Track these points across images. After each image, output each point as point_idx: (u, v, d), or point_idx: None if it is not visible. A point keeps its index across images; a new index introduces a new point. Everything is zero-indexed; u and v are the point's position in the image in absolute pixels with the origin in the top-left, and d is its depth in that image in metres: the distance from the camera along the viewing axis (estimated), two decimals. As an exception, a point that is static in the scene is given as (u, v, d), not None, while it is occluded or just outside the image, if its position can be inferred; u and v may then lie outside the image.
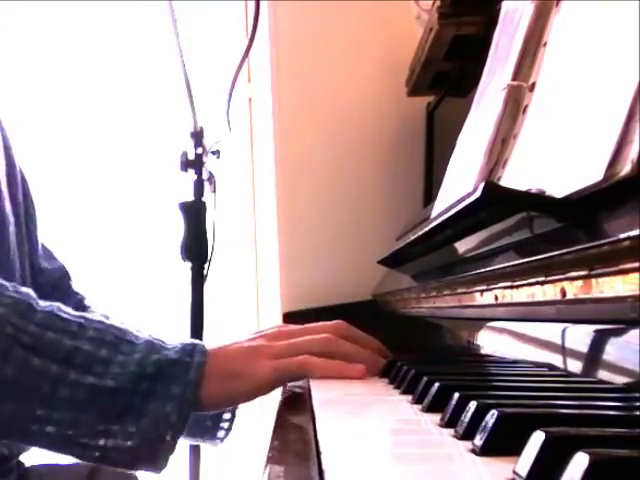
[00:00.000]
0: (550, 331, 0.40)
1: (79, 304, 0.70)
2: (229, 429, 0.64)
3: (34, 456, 0.66)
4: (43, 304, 0.46)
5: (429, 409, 0.34)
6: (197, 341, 0.47)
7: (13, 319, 0.43)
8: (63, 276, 0.71)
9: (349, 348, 0.49)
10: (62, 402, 0.43)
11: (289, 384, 0.49)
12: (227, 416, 0.64)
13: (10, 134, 0.66)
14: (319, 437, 0.29)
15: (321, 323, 0.51)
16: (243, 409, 0.65)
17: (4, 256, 0.61)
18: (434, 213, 0.65)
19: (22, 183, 0.67)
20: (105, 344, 0.44)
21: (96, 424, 0.43)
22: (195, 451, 0.95)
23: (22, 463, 0.66)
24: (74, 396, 0.43)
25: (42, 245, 0.70)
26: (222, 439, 0.64)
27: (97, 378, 0.43)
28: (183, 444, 0.95)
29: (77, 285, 0.72)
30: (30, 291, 0.47)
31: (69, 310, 0.47)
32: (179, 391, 0.43)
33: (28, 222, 0.67)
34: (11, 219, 0.62)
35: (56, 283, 0.70)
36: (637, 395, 0.30)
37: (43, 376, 0.43)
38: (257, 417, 1.30)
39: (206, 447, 0.95)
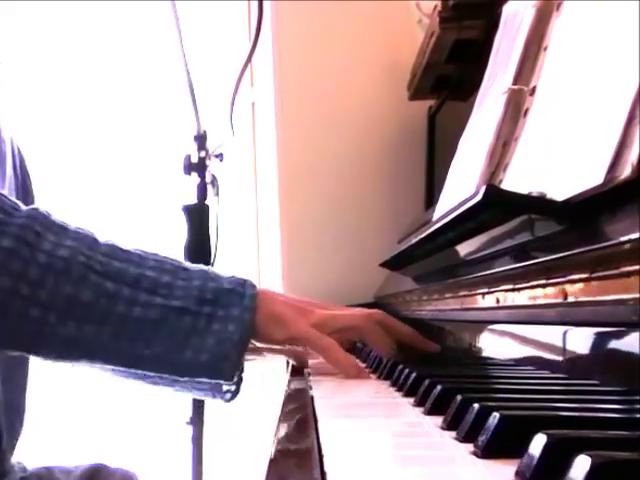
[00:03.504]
0: (551, 334, 0.40)
1: None
2: (236, 392, 0.64)
3: (34, 459, 0.66)
4: (103, 239, 0.48)
5: (431, 412, 0.35)
6: (246, 278, 0.50)
7: (83, 250, 0.46)
8: None
9: (379, 334, 0.52)
10: (136, 321, 0.45)
11: (292, 386, 0.49)
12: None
13: (19, 142, 0.68)
14: (321, 439, 0.29)
15: (361, 309, 0.56)
16: (244, 408, 0.65)
17: None
18: (436, 216, 0.65)
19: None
20: (165, 272, 0.47)
21: (169, 341, 0.46)
22: (198, 449, 0.95)
23: (23, 466, 0.66)
24: (147, 315, 0.45)
25: None
26: (229, 400, 0.65)
27: (164, 299, 0.46)
28: (186, 438, 0.95)
29: None
30: (90, 229, 0.49)
31: (126, 245, 0.50)
32: (238, 313, 0.47)
33: (26, 197, 0.68)
34: (14, 195, 0.64)
35: None
36: (638, 398, 0.30)
37: (117, 298, 0.45)
38: (257, 415, 1.30)
39: (209, 442, 0.95)
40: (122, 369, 0.49)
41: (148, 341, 0.45)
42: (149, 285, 0.46)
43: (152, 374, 0.48)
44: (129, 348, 0.45)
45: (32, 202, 0.68)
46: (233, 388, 0.63)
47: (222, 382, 0.48)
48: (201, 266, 0.49)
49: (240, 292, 0.47)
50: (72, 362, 0.47)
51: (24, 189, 0.67)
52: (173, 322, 0.46)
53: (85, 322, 0.45)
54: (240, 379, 0.64)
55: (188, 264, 0.49)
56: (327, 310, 0.52)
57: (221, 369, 0.46)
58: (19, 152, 0.67)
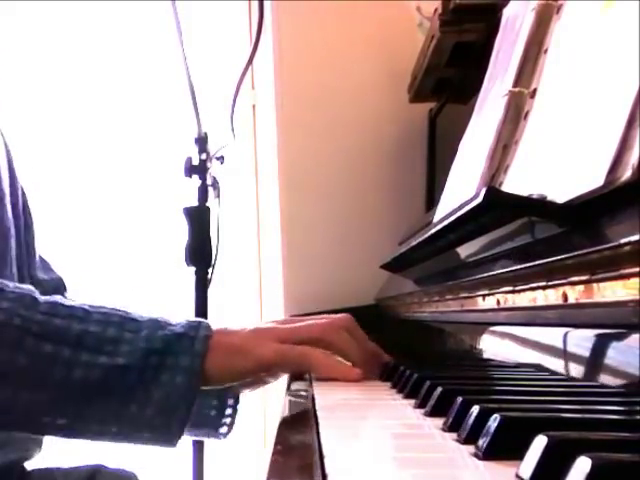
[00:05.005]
0: (552, 336, 0.40)
1: None
2: (232, 424, 0.64)
3: (34, 460, 0.66)
4: (44, 297, 0.47)
5: (432, 413, 0.35)
6: (202, 319, 0.48)
7: (20, 311, 0.45)
8: (59, 287, 0.72)
9: (347, 340, 0.50)
10: (77, 383, 0.44)
11: (293, 387, 0.49)
12: (229, 411, 0.64)
13: (11, 145, 0.68)
14: (322, 441, 0.29)
15: (327, 315, 0.53)
16: (246, 406, 0.65)
17: (6, 269, 0.62)
18: (436, 218, 0.65)
19: (22, 195, 0.68)
20: (112, 324, 0.46)
21: (111, 400, 0.44)
22: (199, 450, 0.95)
23: (23, 467, 0.66)
24: (88, 377, 0.44)
25: (39, 257, 0.71)
26: (225, 434, 0.64)
27: (109, 357, 0.44)
28: (186, 440, 0.96)
29: (71, 295, 0.73)
30: (31, 287, 0.48)
31: (71, 301, 0.48)
32: (187, 362, 0.45)
33: (26, 234, 0.68)
34: (12, 231, 0.64)
35: (52, 294, 0.71)
36: (639, 399, 0.30)
37: (56, 361, 0.44)
38: (259, 415, 1.30)
39: (209, 443, 0.95)
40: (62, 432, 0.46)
41: (90, 402, 0.44)
42: (92, 342, 0.44)
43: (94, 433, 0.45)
44: (69, 411, 0.44)
45: (26, 205, 0.68)
46: (229, 421, 0.62)
47: (168, 442, 0.45)
48: (151, 314, 0.47)
49: (191, 336, 0.45)
50: (9, 429, 0.46)
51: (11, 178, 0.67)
52: (117, 380, 0.44)
53: (21, 387, 0.43)
54: (235, 411, 0.63)
55: (137, 314, 0.47)
56: (288, 325, 0.49)
57: (169, 424, 0.44)
58: (7, 150, 0.66)
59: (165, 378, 0.44)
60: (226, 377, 0.48)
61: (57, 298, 0.47)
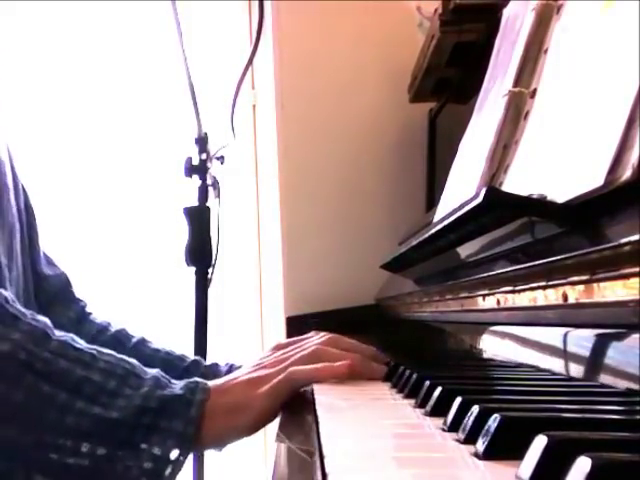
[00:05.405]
0: (552, 335, 0.40)
1: (82, 311, 0.72)
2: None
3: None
4: (58, 333, 0.47)
5: (432, 413, 0.35)
6: (200, 380, 0.48)
7: (29, 346, 0.44)
8: (65, 283, 0.72)
9: (335, 354, 0.49)
10: (67, 429, 0.44)
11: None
12: None
13: (12, 145, 0.68)
14: (322, 441, 0.29)
15: (314, 338, 0.53)
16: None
17: (12, 263, 0.62)
18: (436, 218, 0.65)
19: (23, 193, 0.69)
20: (114, 376, 0.46)
21: (97, 454, 0.44)
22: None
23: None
24: (79, 424, 0.44)
25: (43, 253, 0.72)
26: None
27: (102, 409, 0.44)
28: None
29: (79, 292, 0.74)
30: (47, 320, 0.48)
31: (82, 341, 0.48)
32: (180, 428, 0.44)
33: (30, 231, 0.69)
34: (17, 227, 0.64)
35: (59, 290, 0.71)
36: (639, 399, 0.30)
37: (51, 403, 0.44)
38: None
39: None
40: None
41: (75, 451, 0.43)
42: (91, 391, 0.44)
43: None
44: (53, 456, 0.43)
45: (28, 202, 0.68)
46: None
47: None
48: (155, 372, 0.47)
49: (188, 399, 0.45)
50: None
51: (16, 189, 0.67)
52: (106, 434, 0.44)
53: (10, 424, 0.43)
54: None
55: (142, 369, 0.47)
56: (277, 367, 0.48)
57: None
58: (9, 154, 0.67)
59: (155, 440, 0.44)
60: (226, 437, 0.48)
61: (69, 338, 0.47)
